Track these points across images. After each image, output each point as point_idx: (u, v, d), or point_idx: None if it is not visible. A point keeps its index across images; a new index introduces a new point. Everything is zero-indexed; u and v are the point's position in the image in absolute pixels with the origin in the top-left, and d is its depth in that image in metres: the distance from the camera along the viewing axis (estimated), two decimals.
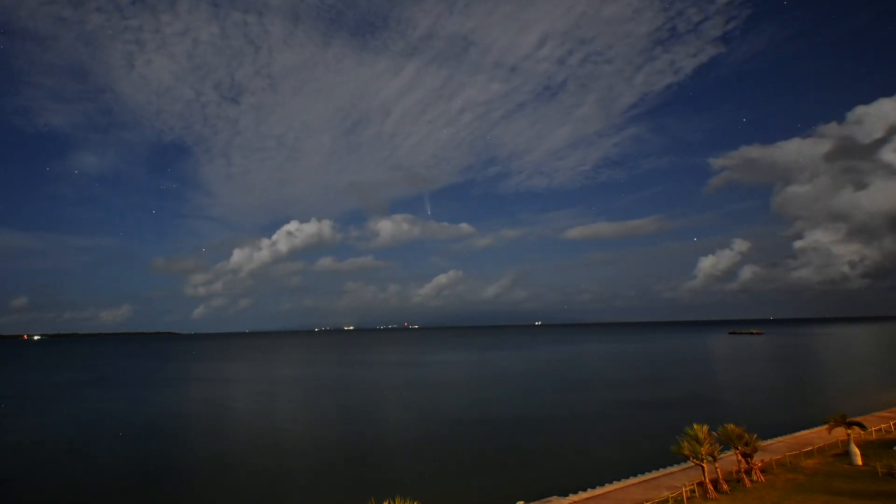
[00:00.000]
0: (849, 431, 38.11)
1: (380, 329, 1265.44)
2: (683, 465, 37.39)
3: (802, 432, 48.32)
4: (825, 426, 42.06)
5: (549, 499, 31.80)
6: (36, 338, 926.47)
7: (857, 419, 43.54)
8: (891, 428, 47.03)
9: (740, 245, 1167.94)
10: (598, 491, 33.19)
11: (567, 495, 32.46)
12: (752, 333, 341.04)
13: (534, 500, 31.38)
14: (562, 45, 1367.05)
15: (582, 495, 32.42)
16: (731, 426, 34.91)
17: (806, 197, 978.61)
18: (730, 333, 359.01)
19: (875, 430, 45.96)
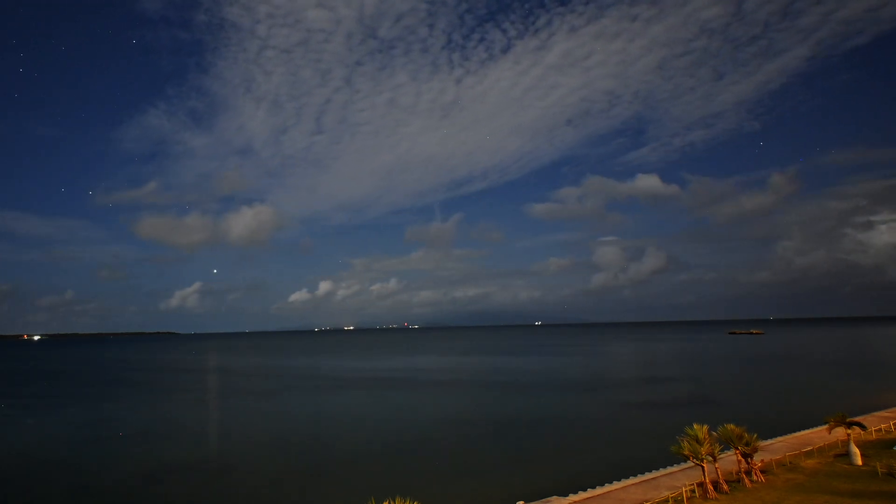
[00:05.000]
0: (849, 431, 38.08)
1: (379, 329, 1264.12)
2: (683, 465, 37.38)
3: (802, 432, 48.30)
4: (825, 426, 42.11)
5: (549, 499, 31.79)
6: (36, 338, 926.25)
7: (857, 419, 43.59)
8: (891, 428, 47.05)
9: None
10: (598, 491, 33.18)
11: (567, 495, 32.44)
12: (751, 333, 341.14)
13: (534, 500, 31.37)
14: None
15: (582, 495, 32.40)
16: (731, 426, 34.87)
17: None
18: (730, 333, 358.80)
19: (875, 430, 45.97)
